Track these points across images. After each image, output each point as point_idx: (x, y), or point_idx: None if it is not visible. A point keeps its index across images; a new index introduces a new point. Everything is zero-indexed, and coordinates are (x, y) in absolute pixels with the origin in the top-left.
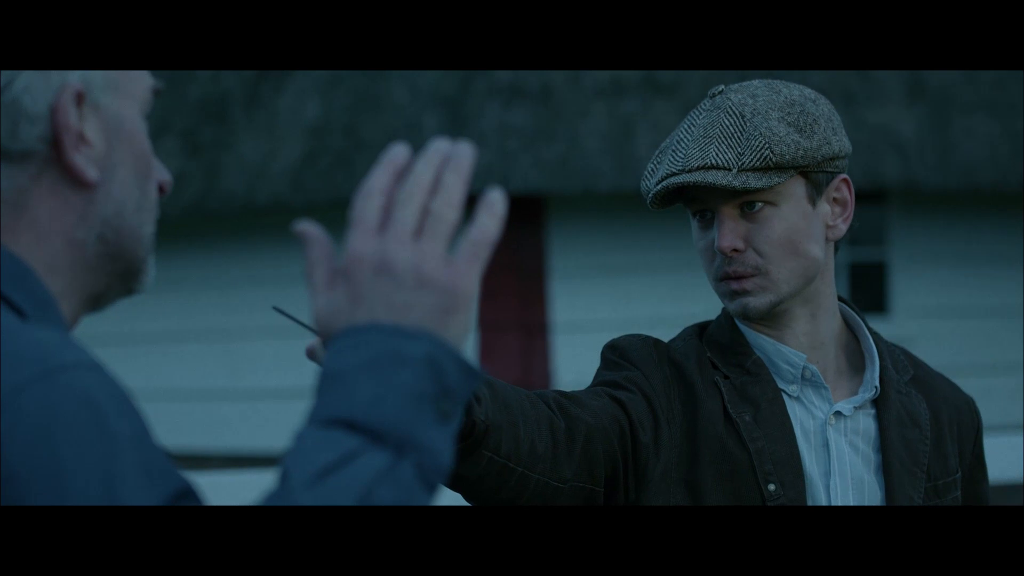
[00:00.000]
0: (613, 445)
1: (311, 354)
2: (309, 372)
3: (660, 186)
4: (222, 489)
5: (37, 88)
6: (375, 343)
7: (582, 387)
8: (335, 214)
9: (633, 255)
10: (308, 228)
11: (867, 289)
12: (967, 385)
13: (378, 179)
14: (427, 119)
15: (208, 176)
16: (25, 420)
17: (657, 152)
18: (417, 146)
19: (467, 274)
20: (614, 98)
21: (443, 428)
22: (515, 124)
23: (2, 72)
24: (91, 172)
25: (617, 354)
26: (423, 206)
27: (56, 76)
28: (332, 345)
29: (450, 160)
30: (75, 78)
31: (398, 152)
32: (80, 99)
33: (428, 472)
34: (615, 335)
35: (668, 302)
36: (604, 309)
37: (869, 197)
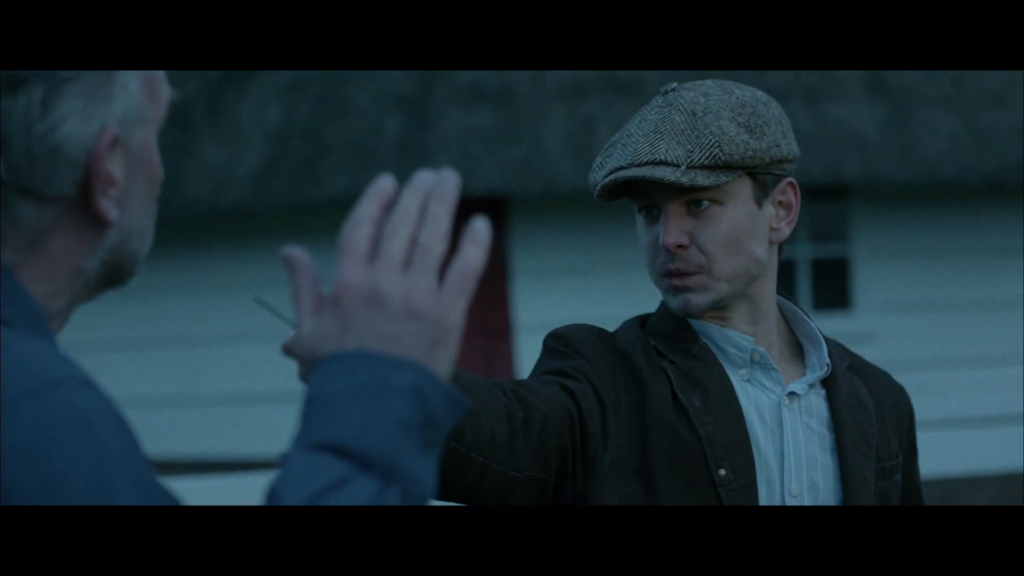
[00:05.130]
0: (564, 434)
1: (288, 350)
2: (273, 377)
3: (608, 179)
4: (190, 495)
5: (78, 135)
6: (364, 370)
7: None
8: (298, 219)
9: (596, 255)
10: (295, 254)
11: (830, 285)
12: (930, 379)
13: (366, 209)
14: (389, 122)
15: (171, 182)
16: (21, 433)
17: (607, 145)
18: (379, 149)
19: (455, 306)
20: (575, 99)
21: (427, 457)
22: (477, 126)
23: (47, 113)
24: (114, 213)
25: (562, 343)
26: (411, 237)
27: (97, 117)
28: (320, 369)
29: (435, 190)
30: (114, 119)
31: (384, 183)
32: (115, 143)
33: (412, 499)
34: None
35: (631, 302)
36: (567, 310)
37: (831, 193)
